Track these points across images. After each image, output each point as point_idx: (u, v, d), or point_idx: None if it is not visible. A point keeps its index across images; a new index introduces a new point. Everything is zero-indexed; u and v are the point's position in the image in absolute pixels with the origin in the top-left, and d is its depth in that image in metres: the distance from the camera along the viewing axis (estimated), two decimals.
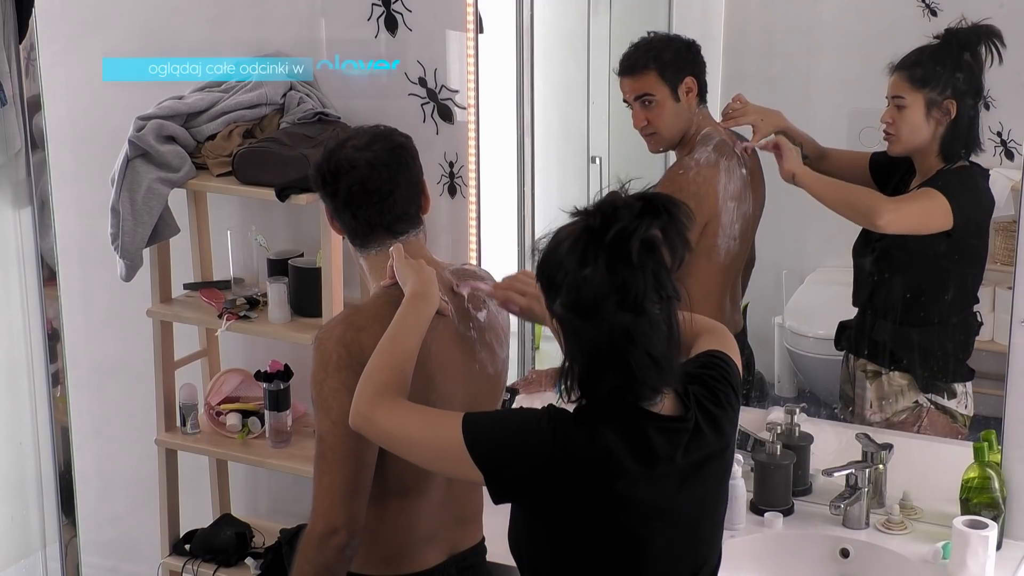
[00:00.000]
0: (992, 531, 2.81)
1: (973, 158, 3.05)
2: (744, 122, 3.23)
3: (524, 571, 2.26)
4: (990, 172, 3.07)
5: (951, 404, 3.13)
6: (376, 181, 2.44)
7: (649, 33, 3.27)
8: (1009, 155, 3.06)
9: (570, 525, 2.13)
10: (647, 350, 2.05)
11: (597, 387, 2.09)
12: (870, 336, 3.19)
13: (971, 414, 3.13)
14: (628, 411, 2.10)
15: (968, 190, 3.04)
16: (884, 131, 3.08)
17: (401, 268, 2.42)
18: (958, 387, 3.13)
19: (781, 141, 3.12)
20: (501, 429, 2.16)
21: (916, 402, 3.15)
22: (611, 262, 2.02)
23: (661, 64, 3.19)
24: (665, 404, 2.12)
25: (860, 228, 3.15)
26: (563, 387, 2.12)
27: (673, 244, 2.05)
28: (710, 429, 2.15)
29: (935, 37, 3.01)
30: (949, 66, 3.00)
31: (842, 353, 3.27)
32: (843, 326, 3.25)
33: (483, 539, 2.71)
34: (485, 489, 2.17)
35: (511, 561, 2.88)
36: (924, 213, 3.03)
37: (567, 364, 2.11)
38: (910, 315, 3.13)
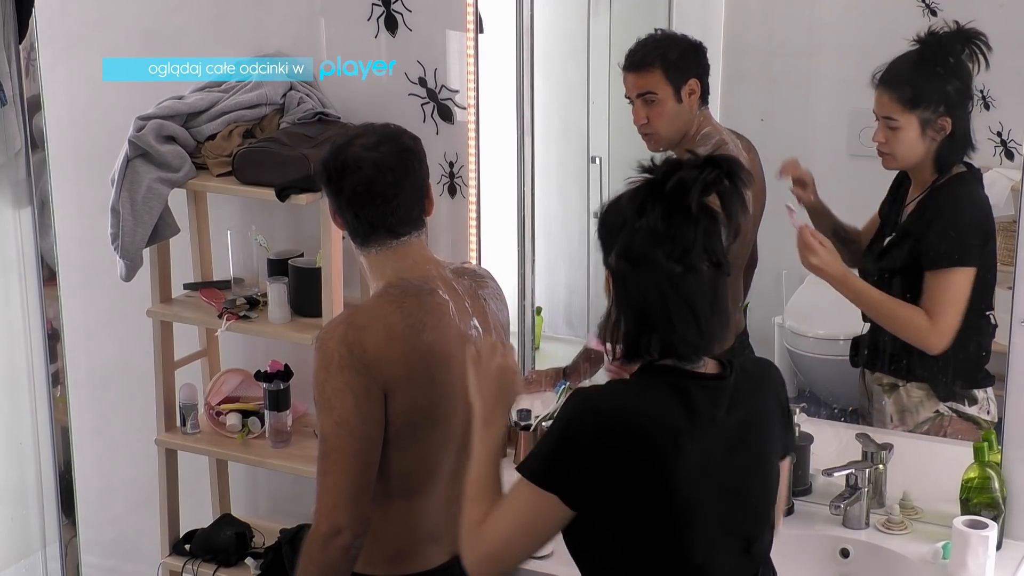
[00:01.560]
0: (992, 531, 2.81)
1: (966, 159, 3.03)
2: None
3: (578, 557, 2.26)
4: (990, 171, 3.06)
5: (972, 411, 3.09)
6: (381, 184, 2.44)
7: (657, 30, 3.26)
8: (1009, 155, 3.05)
9: (623, 505, 2.13)
10: (690, 306, 2.11)
11: (641, 342, 2.14)
12: (883, 349, 3.16)
13: (996, 419, 3.08)
14: (671, 372, 2.14)
15: (973, 220, 3.01)
16: (878, 150, 3.04)
17: (473, 382, 2.28)
18: (978, 393, 3.09)
19: (813, 233, 3.03)
20: (546, 443, 2.15)
21: (937, 412, 3.13)
22: (667, 211, 2.09)
23: (667, 63, 3.18)
24: (707, 365, 2.18)
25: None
26: (608, 343, 2.17)
27: (732, 206, 2.12)
28: (748, 389, 2.22)
29: (915, 41, 2.97)
30: (938, 80, 2.97)
31: (844, 356, 3.25)
32: (856, 342, 3.21)
33: None
34: None
35: None
36: (960, 300, 2.99)
37: (613, 318, 2.15)
38: None
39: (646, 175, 2.13)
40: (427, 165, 2.53)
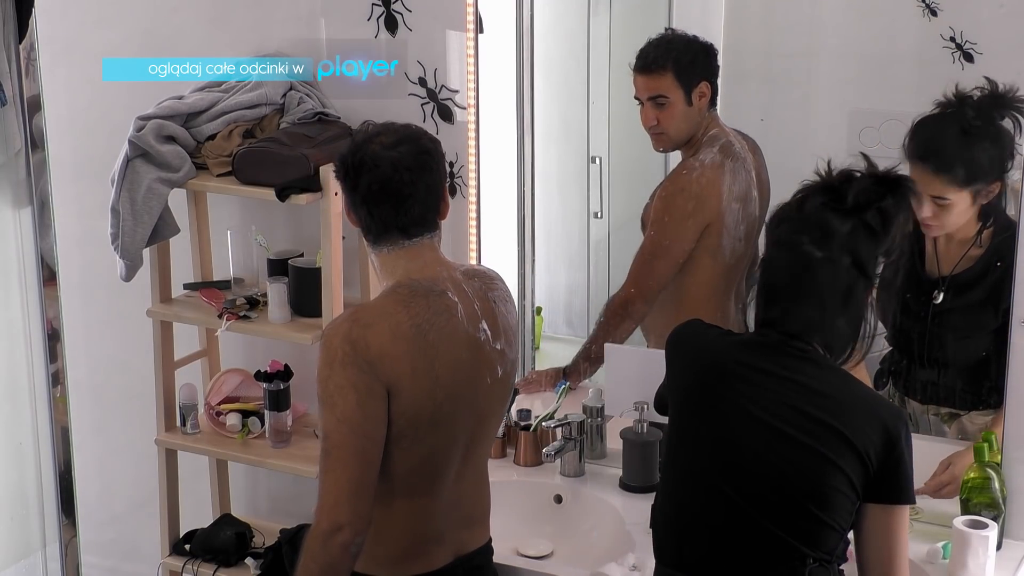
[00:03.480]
0: (992, 531, 2.80)
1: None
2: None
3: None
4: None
5: None
6: (397, 183, 2.45)
7: (668, 30, 3.25)
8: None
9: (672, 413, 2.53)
10: (820, 291, 2.33)
11: (766, 313, 2.40)
12: (940, 383, 3.12)
13: None
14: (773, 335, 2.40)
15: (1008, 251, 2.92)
16: (925, 223, 2.93)
17: None
18: None
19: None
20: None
21: None
22: (825, 204, 2.34)
23: (679, 66, 3.17)
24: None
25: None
26: (739, 306, 2.50)
27: (892, 221, 2.34)
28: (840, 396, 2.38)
29: (947, 104, 2.89)
30: (987, 152, 2.89)
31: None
32: (893, 370, 3.16)
33: (490, 539, 2.71)
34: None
35: (516, 562, 2.90)
36: None
37: (753, 293, 2.44)
38: (982, 360, 3.06)
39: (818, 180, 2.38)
40: (444, 168, 2.55)
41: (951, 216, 2.95)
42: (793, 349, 2.38)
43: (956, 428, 3.15)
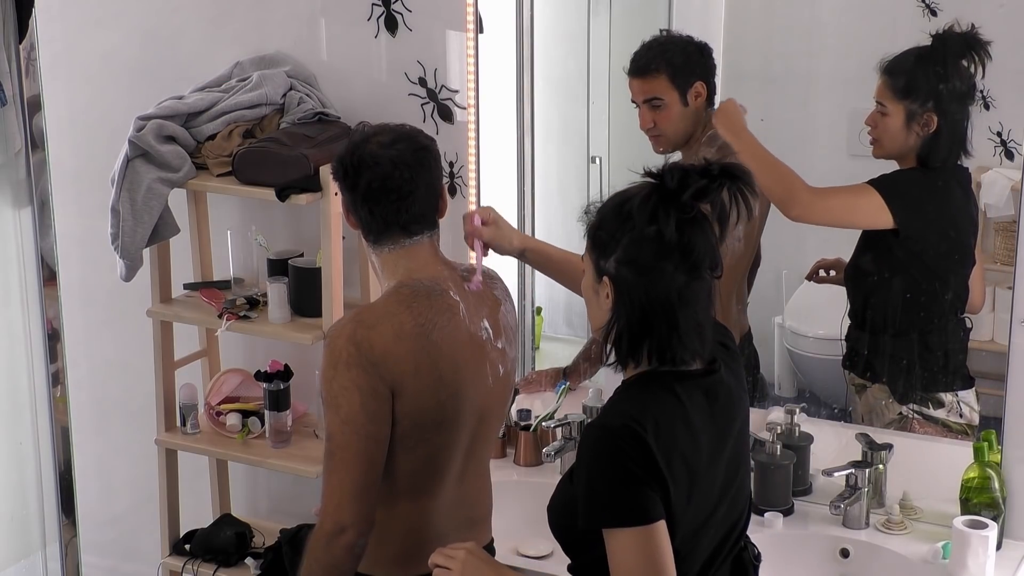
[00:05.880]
0: (992, 531, 2.81)
1: (962, 161, 3.02)
2: None
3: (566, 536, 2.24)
4: (990, 171, 3.06)
5: (939, 414, 3.10)
6: (397, 180, 2.45)
7: (662, 31, 3.25)
8: (1009, 155, 3.06)
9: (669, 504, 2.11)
10: (695, 315, 2.11)
11: (640, 349, 2.13)
12: (857, 349, 3.17)
13: (971, 422, 3.08)
14: (668, 376, 2.14)
15: (919, 188, 3.01)
16: (869, 136, 3.06)
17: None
18: (945, 397, 3.10)
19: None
20: (598, 490, 2.09)
21: (900, 414, 3.14)
22: (681, 222, 2.08)
23: (672, 68, 3.17)
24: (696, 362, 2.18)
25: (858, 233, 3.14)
26: (606, 348, 2.16)
27: (739, 213, 2.12)
28: (733, 380, 2.23)
29: (931, 35, 2.99)
30: (933, 77, 2.97)
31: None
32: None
33: (492, 540, 2.72)
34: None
35: (516, 562, 2.90)
36: (848, 208, 3.00)
37: (612, 325, 2.13)
38: (882, 326, 3.10)
39: (650, 179, 2.13)
40: (441, 166, 2.55)
41: (886, 131, 3.02)
42: (703, 383, 2.21)
43: (864, 401, 3.16)
